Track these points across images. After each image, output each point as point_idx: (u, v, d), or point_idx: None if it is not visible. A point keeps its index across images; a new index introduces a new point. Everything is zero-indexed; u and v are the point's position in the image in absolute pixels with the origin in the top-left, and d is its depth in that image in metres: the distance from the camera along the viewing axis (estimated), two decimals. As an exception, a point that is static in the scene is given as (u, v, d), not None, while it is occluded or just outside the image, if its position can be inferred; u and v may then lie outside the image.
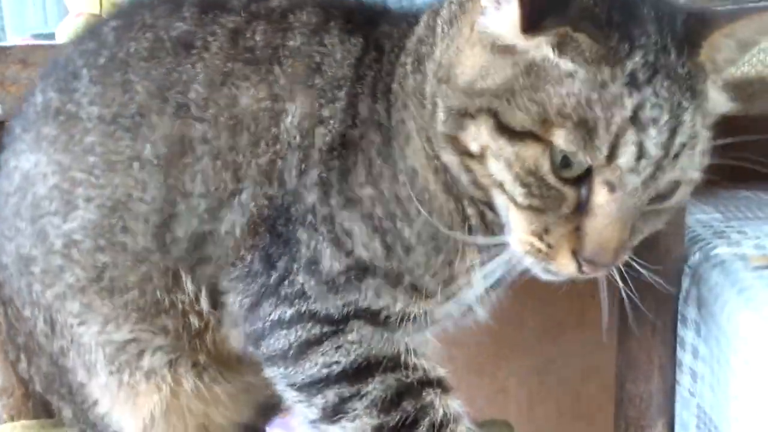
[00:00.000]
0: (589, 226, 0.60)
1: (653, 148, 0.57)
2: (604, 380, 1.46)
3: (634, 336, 0.90)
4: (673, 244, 0.87)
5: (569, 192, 0.60)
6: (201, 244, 0.73)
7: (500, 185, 0.62)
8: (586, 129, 0.57)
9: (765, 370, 0.68)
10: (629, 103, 0.57)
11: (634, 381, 0.91)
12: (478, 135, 0.61)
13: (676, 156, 0.59)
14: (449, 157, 0.65)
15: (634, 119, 0.57)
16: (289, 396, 0.72)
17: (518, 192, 0.61)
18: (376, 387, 0.68)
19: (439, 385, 0.71)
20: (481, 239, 0.68)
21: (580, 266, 0.61)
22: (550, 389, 1.50)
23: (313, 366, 0.69)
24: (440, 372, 0.72)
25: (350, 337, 0.69)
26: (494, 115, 0.60)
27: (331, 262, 0.68)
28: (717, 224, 0.94)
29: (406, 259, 0.69)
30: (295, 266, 0.69)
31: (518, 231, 0.63)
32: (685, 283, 0.86)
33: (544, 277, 0.65)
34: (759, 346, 0.68)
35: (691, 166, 0.61)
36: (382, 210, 0.68)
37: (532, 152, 0.59)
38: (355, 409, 0.68)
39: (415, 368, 0.70)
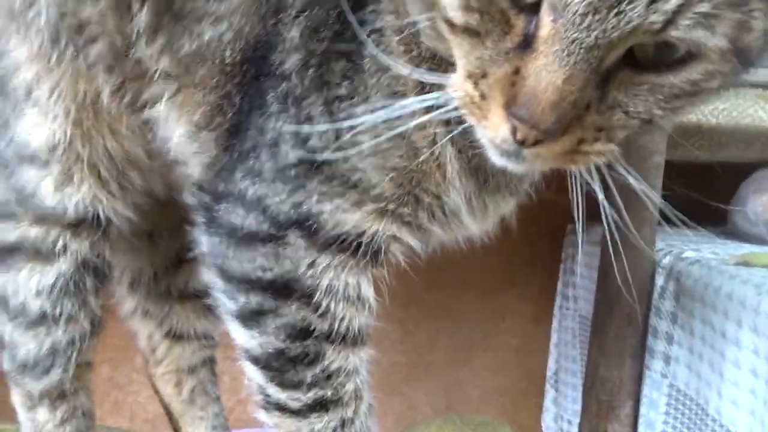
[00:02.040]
0: (528, 68, 0.49)
1: None
2: (507, 399, 1.59)
3: (609, 327, 1.03)
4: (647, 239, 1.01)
5: (515, 19, 0.51)
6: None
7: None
8: None
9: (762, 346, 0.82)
10: None
11: (607, 367, 1.03)
12: None
13: None
14: None
15: None
16: (214, 282, 0.70)
17: (454, 3, 0.52)
18: (291, 312, 0.67)
19: (345, 339, 0.68)
20: (425, 75, 0.58)
21: (514, 129, 0.50)
22: (456, 408, 1.58)
23: (252, 261, 0.67)
24: (355, 324, 0.69)
25: (287, 250, 0.66)
26: None
27: (287, 149, 0.65)
28: (667, 242, 1.11)
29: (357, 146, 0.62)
30: (261, 139, 0.66)
31: (458, 72, 0.55)
32: (660, 280, 1.01)
33: (490, 154, 0.55)
34: (757, 317, 0.82)
35: (698, 23, 0.47)
36: (346, 88, 0.62)
37: None
38: (267, 325, 0.68)
39: (324, 315, 0.67)
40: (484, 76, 0.52)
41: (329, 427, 0.69)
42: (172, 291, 0.99)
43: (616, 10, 0.46)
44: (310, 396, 0.68)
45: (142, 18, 0.69)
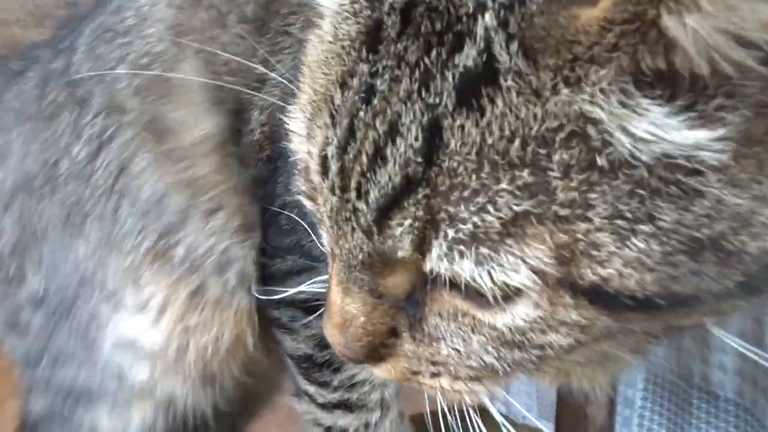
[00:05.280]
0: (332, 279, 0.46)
1: (332, 165, 0.39)
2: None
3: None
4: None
5: None
6: None
7: None
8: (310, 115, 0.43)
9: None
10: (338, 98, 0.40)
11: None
12: None
13: (393, 208, 0.37)
14: None
15: (332, 118, 0.40)
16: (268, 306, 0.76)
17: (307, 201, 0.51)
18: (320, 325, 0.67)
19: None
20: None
21: None
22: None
23: (291, 288, 0.68)
24: None
25: (322, 276, 0.64)
26: None
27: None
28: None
29: None
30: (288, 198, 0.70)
31: None
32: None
33: None
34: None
35: (480, 258, 0.35)
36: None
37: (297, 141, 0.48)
38: (298, 332, 0.72)
39: None
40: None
41: (353, 425, 0.71)
42: None
43: (363, 234, 0.39)
44: (336, 396, 0.71)
45: None
